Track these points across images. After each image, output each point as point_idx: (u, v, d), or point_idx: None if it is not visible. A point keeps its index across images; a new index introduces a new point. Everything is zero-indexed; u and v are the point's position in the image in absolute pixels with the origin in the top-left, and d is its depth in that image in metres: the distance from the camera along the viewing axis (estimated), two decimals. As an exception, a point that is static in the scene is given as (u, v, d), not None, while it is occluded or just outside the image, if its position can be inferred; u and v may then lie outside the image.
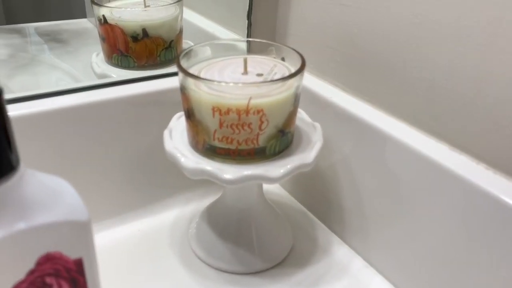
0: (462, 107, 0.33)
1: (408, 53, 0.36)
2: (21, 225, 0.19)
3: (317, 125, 0.39)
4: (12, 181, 0.19)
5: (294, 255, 0.43)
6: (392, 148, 0.37)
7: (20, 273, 0.20)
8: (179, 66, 0.33)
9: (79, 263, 0.22)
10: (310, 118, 0.41)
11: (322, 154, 0.37)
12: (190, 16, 0.54)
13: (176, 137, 0.37)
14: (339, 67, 0.43)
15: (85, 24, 0.95)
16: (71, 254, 0.21)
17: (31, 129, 0.37)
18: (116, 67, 0.47)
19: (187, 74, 0.33)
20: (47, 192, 0.21)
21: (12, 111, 0.36)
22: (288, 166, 0.34)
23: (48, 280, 0.21)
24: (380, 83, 0.39)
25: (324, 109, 0.42)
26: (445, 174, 0.33)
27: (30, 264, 0.20)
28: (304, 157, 0.36)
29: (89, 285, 0.23)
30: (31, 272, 0.20)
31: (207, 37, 0.53)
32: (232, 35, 0.51)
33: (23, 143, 0.26)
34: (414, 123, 0.37)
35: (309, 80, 0.45)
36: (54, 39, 0.78)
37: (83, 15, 0.95)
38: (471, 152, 0.34)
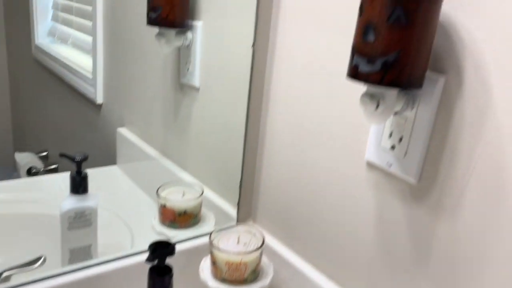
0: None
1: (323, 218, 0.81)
2: None
3: (271, 264, 0.83)
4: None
5: None
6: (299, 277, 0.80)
7: None
8: (212, 244, 0.77)
9: None
10: (268, 260, 0.84)
11: (274, 277, 0.81)
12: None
13: (205, 272, 0.80)
14: (283, 231, 0.87)
15: (116, 170, 1.24)
16: None
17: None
18: (167, 228, 0.90)
19: (215, 248, 0.76)
20: None
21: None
22: (257, 287, 0.77)
23: None
24: (305, 241, 0.83)
25: (273, 256, 0.86)
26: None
27: None
28: (264, 281, 0.79)
29: None
30: None
31: (211, 205, 0.97)
32: (225, 204, 0.95)
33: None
34: (319, 270, 0.81)
35: (268, 239, 0.89)
36: (100, 187, 1.07)
37: (113, 162, 1.24)
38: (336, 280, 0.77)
